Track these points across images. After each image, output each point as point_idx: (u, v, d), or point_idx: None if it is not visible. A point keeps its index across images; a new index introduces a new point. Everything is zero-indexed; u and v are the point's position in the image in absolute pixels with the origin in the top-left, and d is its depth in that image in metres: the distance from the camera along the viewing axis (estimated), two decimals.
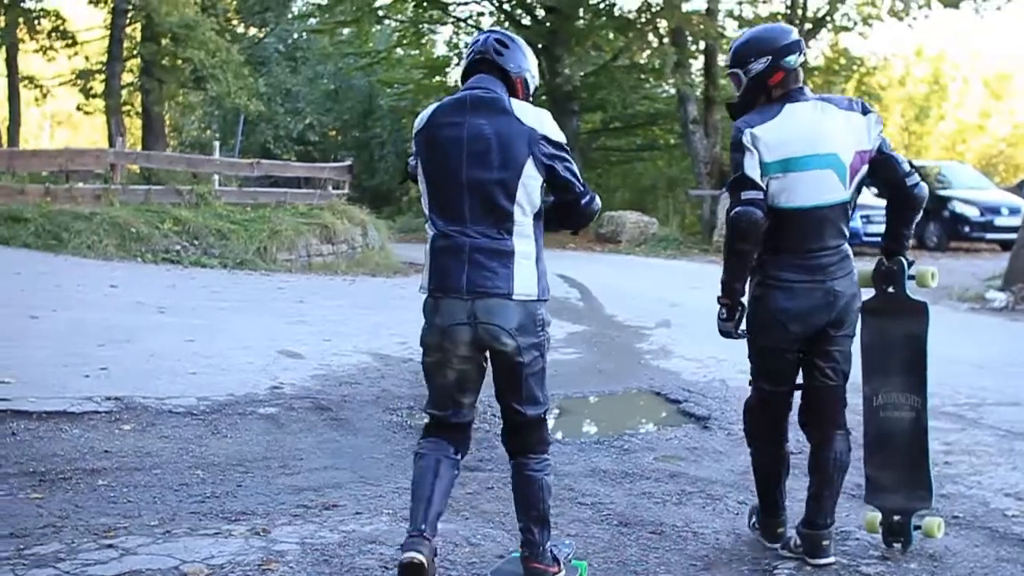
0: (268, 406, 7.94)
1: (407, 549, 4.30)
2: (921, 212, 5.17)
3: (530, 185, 4.49)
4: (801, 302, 4.97)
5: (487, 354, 4.59)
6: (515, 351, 4.47)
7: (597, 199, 4.83)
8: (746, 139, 4.95)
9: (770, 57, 5.09)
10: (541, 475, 4.65)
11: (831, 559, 4.99)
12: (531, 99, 4.84)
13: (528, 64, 4.83)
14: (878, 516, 5.23)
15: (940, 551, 5.06)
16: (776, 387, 5.34)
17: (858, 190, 5.06)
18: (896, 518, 5.17)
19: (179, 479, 6.08)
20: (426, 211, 4.65)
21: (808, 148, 4.90)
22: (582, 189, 4.70)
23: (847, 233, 5.06)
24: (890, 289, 5.28)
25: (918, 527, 5.14)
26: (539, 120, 4.58)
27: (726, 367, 9.90)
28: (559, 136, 4.65)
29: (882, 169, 5.07)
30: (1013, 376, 9.44)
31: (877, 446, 5.32)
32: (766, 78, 5.10)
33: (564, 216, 4.81)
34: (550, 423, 5.47)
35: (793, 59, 5.12)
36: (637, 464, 6.71)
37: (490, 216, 4.46)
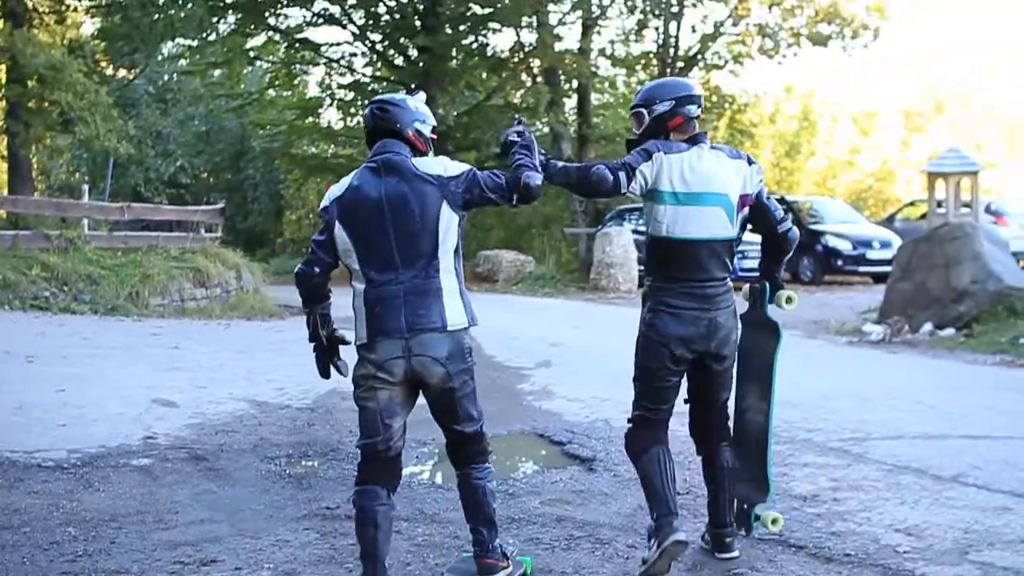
0: (142, 457, 7.74)
1: None
2: (791, 252, 5.91)
3: (450, 228, 5.13)
4: (687, 328, 5.55)
5: (417, 388, 5.26)
6: (446, 378, 5.15)
7: (527, 174, 5.28)
8: (656, 157, 5.54)
9: (673, 102, 5.68)
10: (484, 482, 5.29)
11: (735, 553, 5.65)
12: (432, 140, 5.42)
13: (411, 116, 5.33)
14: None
15: None
16: (657, 406, 5.94)
17: (742, 229, 5.61)
18: (744, 506, 5.87)
19: (49, 537, 5.86)
20: (354, 267, 5.22)
21: (707, 186, 5.49)
22: (506, 182, 5.28)
23: (731, 268, 5.65)
24: (756, 306, 6.00)
25: (758, 517, 5.74)
26: (442, 167, 5.19)
27: (609, 407, 9.85)
28: (461, 168, 5.24)
29: (759, 215, 5.77)
30: (895, 409, 9.49)
31: (736, 441, 6.00)
32: (667, 120, 5.69)
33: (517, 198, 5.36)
34: (429, 465, 6.71)
35: (693, 109, 5.69)
36: (523, 509, 6.60)
37: (418, 261, 5.09)
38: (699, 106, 5.75)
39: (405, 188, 5.09)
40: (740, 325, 5.74)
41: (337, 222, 5.21)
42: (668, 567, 5.28)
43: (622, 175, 5.56)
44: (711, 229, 5.50)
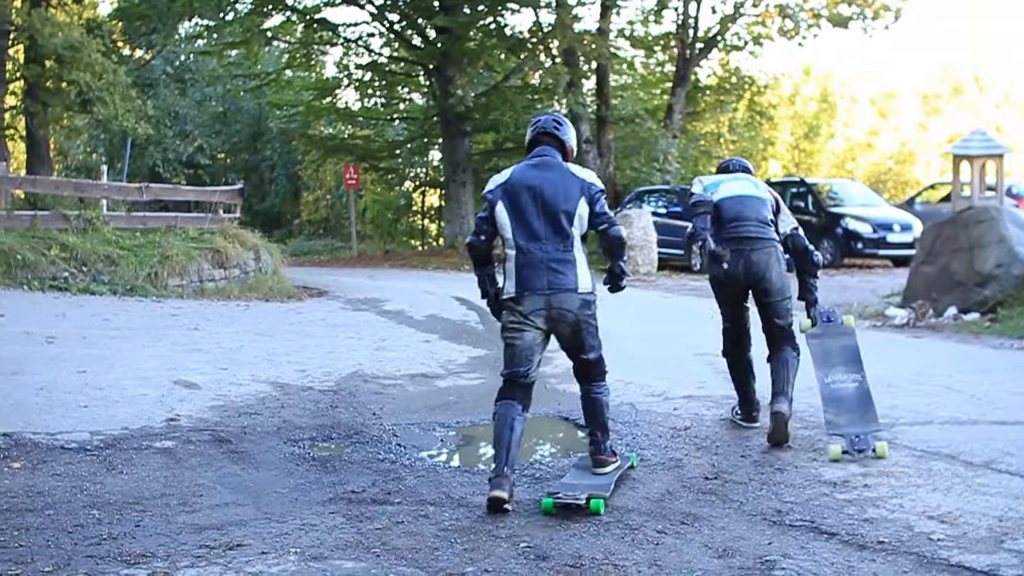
0: (165, 439, 7.68)
1: (492, 488, 6.19)
2: (619, 249, 6.88)
3: (583, 217, 6.67)
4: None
5: (551, 333, 6.76)
6: (576, 325, 6.69)
7: (620, 228, 6.85)
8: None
9: None
10: (602, 396, 6.93)
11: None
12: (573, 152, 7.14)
13: (573, 134, 7.10)
14: (840, 445, 7.33)
15: None
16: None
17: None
18: (858, 437, 7.35)
19: (73, 520, 5.80)
20: (507, 237, 6.68)
21: None
22: (611, 218, 6.82)
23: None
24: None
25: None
26: (590, 176, 6.84)
27: (633, 390, 9.80)
28: (600, 184, 6.86)
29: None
30: (922, 394, 9.40)
31: (833, 404, 7.71)
32: None
33: (607, 247, 6.87)
34: (456, 449, 7.68)
35: None
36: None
37: (558, 236, 6.61)
38: None
39: (557, 182, 6.68)
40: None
41: (499, 202, 6.72)
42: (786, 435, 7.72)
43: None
44: None
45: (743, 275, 8.26)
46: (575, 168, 6.85)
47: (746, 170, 8.90)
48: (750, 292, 8.47)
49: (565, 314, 6.62)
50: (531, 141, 7.04)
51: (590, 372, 6.94)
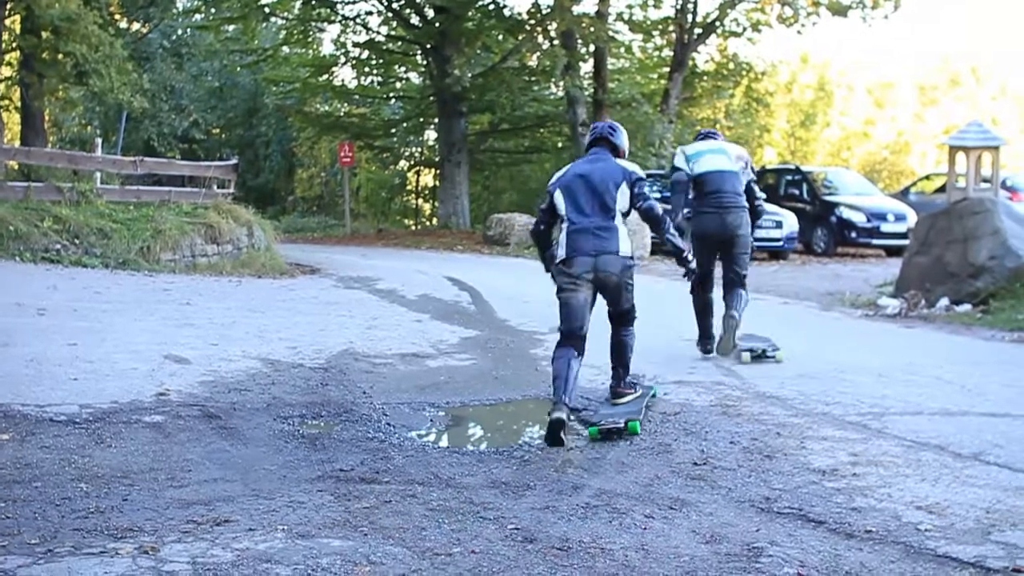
0: (154, 414, 7.67)
1: (553, 412, 7.37)
2: (654, 223, 8.52)
3: (623, 198, 8.11)
4: None
5: (597, 291, 8.11)
6: (617, 283, 8.08)
7: (653, 204, 8.27)
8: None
9: None
10: (628, 338, 8.52)
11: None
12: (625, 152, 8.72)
13: (625, 140, 8.72)
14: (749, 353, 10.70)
15: (856, 568, 4.93)
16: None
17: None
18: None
19: (61, 493, 5.79)
20: (562, 214, 8.17)
21: None
22: (647, 197, 8.26)
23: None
24: None
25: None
26: (634, 168, 8.33)
27: None
28: (640, 172, 8.35)
29: None
30: (913, 384, 9.40)
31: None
32: None
33: (646, 222, 8.53)
34: (444, 429, 8.20)
35: None
36: (538, 476, 6.52)
37: (602, 212, 8.04)
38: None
39: (605, 170, 8.21)
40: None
41: (556, 191, 8.27)
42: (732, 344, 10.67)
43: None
44: None
45: (721, 232, 10.90)
46: (622, 161, 8.43)
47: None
48: (722, 245, 11.07)
49: (610, 275, 7.99)
50: (589, 143, 8.72)
51: (623, 320, 8.47)
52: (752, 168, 11.34)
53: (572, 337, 7.98)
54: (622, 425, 7.65)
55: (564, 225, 8.19)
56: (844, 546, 5.25)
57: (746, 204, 10.90)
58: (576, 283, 7.94)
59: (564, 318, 8.02)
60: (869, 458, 6.89)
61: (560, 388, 7.57)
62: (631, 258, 8.11)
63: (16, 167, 23.49)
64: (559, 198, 8.24)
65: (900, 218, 26.45)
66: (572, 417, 7.80)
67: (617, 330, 8.48)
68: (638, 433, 7.62)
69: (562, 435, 7.29)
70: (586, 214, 8.06)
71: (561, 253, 8.09)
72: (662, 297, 16.62)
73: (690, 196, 11.23)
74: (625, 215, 8.18)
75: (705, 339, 11.08)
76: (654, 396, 8.75)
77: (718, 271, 11.00)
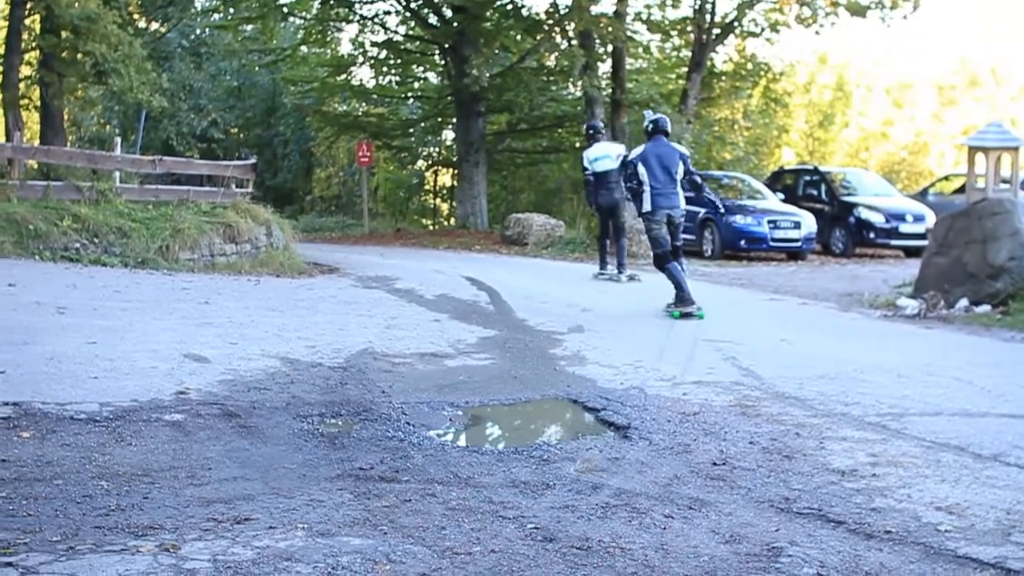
0: (174, 412, 7.67)
1: (688, 305, 13.92)
2: (697, 188, 15.12)
3: (680, 170, 14.26)
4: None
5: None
6: (680, 225, 14.44)
7: (698, 177, 14.85)
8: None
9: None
10: (682, 265, 14.24)
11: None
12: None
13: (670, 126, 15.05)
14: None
15: (875, 568, 4.92)
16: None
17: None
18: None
19: (82, 490, 5.79)
20: (644, 179, 14.18)
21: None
22: (693, 170, 14.67)
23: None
24: None
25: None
26: (682, 148, 14.77)
27: (643, 374, 9.82)
28: (688, 152, 14.46)
29: None
30: (932, 385, 9.37)
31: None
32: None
33: (691, 186, 14.81)
34: (464, 428, 8.04)
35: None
36: (557, 475, 6.51)
37: (670, 178, 14.21)
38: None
39: (670, 152, 14.28)
40: None
41: (640, 163, 14.18)
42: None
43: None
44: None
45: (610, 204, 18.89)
46: (676, 144, 14.99)
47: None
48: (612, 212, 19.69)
49: (675, 219, 14.40)
50: (653, 131, 14.67)
51: (679, 253, 14.49)
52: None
53: (667, 254, 14.28)
54: (695, 311, 13.94)
55: (647, 188, 14.22)
56: (864, 547, 5.24)
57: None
58: (659, 223, 14.26)
59: (658, 242, 14.32)
60: (889, 459, 6.88)
61: (685, 286, 14.09)
62: (684, 210, 14.69)
63: (36, 166, 23.53)
64: (641, 169, 14.28)
65: (919, 219, 26.40)
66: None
67: (676, 261, 14.30)
68: (704, 318, 13.82)
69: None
70: (660, 181, 14.22)
71: (647, 207, 14.29)
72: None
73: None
74: (680, 182, 14.39)
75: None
76: (700, 318, 13.89)
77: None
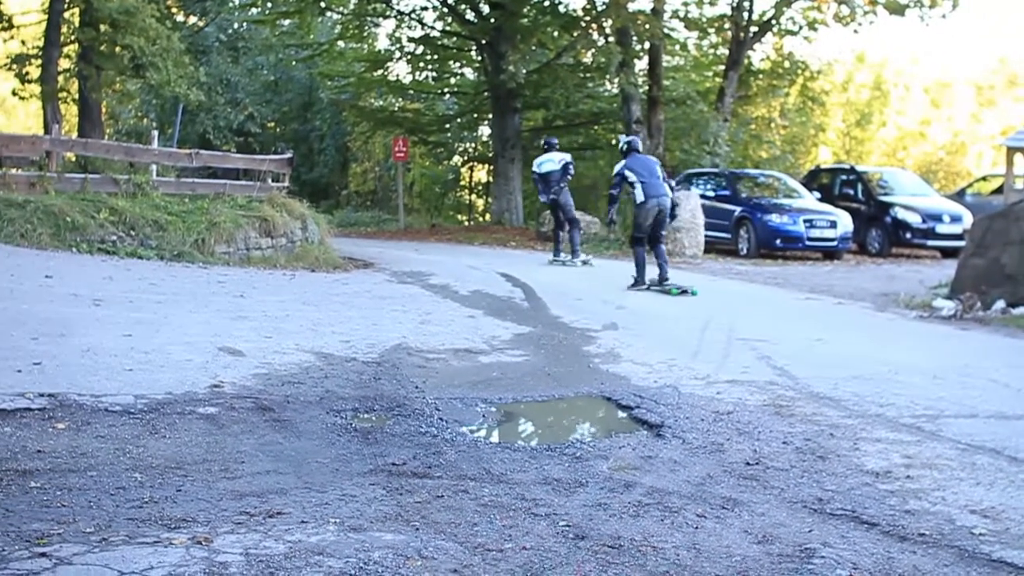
0: (208, 405, 7.69)
1: (641, 285, 17.51)
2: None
3: (660, 170, 17.82)
4: None
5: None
6: (667, 216, 17.65)
7: (670, 180, 18.58)
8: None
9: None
10: (663, 251, 17.84)
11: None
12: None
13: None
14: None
15: (909, 571, 4.90)
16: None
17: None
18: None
19: (116, 482, 5.82)
20: (632, 180, 17.43)
21: None
22: (668, 176, 18.44)
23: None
24: None
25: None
26: (654, 159, 18.70)
27: (676, 372, 9.80)
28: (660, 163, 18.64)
29: None
30: (968, 387, 9.32)
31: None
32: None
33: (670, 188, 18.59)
34: (496, 425, 8.02)
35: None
36: (590, 472, 6.50)
37: (657, 178, 17.58)
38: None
39: (646, 160, 18.17)
40: None
41: (627, 170, 17.54)
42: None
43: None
44: None
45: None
46: (654, 159, 18.31)
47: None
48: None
49: (664, 209, 17.37)
50: (627, 150, 18.01)
51: (661, 239, 17.74)
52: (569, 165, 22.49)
53: (644, 238, 17.61)
54: (688, 289, 16.77)
55: (638, 185, 17.35)
56: (897, 549, 5.22)
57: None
58: (648, 213, 17.40)
59: (642, 230, 17.60)
60: (923, 461, 6.84)
61: (643, 270, 17.53)
62: (670, 201, 17.68)
63: (73, 159, 23.66)
64: (629, 174, 17.52)
65: (956, 219, 26.27)
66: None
67: (658, 246, 17.63)
68: (697, 294, 16.57)
69: (654, 288, 17.09)
70: (647, 180, 17.37)
71: (640, 198, 17.39)
72: (717, 294, 16.59)
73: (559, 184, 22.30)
74: (664, 179, 17.68)
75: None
76: (694, 294, 16.71)
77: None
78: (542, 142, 24.97)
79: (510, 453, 6.93)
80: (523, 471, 6.45)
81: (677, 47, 39.09)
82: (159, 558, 4.68)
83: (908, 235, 26.83)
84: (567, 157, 22.65)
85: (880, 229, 27.50)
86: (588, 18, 34.02)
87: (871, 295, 17.15)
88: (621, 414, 8.33)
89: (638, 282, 17.53)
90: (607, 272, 18.29)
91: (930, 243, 26.69)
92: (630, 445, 7.27)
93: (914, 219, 26.67)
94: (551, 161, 22.40)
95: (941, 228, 26.34)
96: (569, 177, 22.45)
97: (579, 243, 22.76)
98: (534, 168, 23.19)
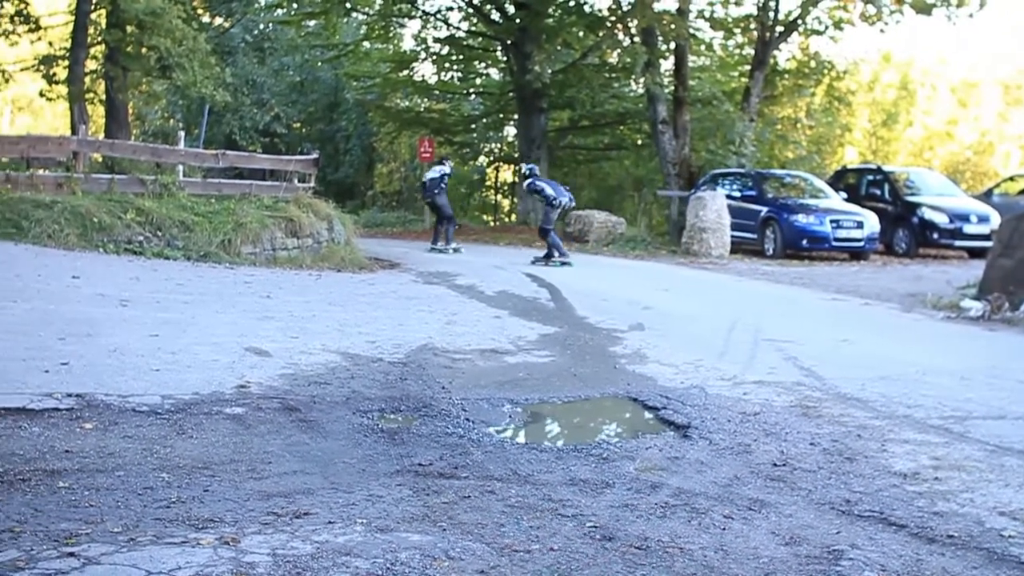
0: (235, 406, 7.71)
1: (545, 261, 22.57)
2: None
3: (559, 186, 23.26)
4: None
5: None
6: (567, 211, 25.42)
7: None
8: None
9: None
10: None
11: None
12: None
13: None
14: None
15: (938, 573, 4.87)
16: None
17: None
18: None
19: (143, 482, 5.83)
20: (548, 187, 22.80)
21: None
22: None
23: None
24: None
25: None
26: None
27: (703, 373, 9.77)
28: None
29: None
30: (997, 388, 9.28)
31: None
32: None
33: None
34: (523, 425, 7.91)
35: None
36: (617, 473, 6.49)
37: (560, 187, 22.72)
38: None
39: (546, 179, 23.27)
40: None
41: (544, 185, 22.72)
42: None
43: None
44: None
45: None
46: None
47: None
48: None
49: (567, 208, 23.72)
50: (530, 174, 23.50)
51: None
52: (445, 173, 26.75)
53: (552, 230, 21.83)
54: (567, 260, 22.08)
55: (551, 192, 22.24)
56: (926, 551, 5.19)
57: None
58: (557, 210, 22.37)
59: (551, 222, 22.14)
60: (951, 462, 6.81)
61: (554, 252, 22.14)
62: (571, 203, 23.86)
63: (100, 159, 23.76)
64: (542, 184, 22.52)
65: (983, 220, 26.14)
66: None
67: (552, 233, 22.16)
68: (572, 266, 21.28)
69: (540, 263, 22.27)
70: (556, 188, 22.21)
71: (555, 200, 22.01)
72: (743, 295, 16.56)
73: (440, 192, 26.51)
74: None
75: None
76: (570, 266, 21.67)
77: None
78: (438, 158, 31.10)
79: (537, 454, 6.93)
80: (550, 472, 6.45)
81: (703, 47, 39.00)
82: (187, 558, 4.69)
83: (935, 235, 26.71)
84: (446, 169, 27.17)
85: (907, 229, 27.39)
86: (614, 18, 34.00)
87: (898, 296, 17.08)
88: (647, 415, 8.31)
89: (548, 258, 22.47)
90: (630, 271, 17.69)
91: (957, 243, 26.56)
92: (657, 446, 7.26)
93: (941, 219, 26.56)
94: (432, 172, 27.22)
95: (968, 228, 26.21)
96: (443, 185, 26.76)
97: (452, 235, 26.95)
98: (423, 176, 29.41)
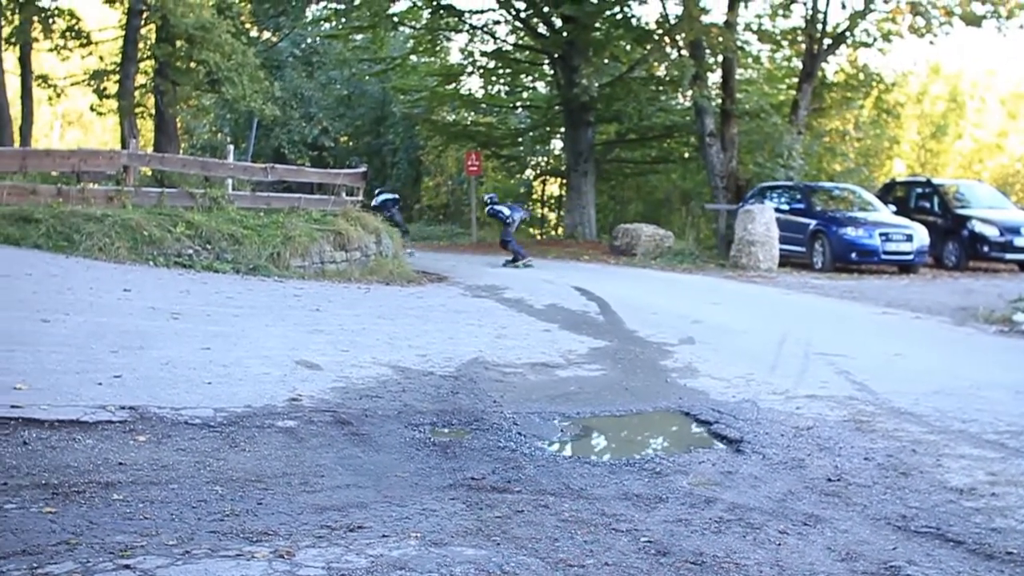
0: (287, 419, 7.72)
1: (511, 265, 25.50)
2: None
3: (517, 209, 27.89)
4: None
5: None
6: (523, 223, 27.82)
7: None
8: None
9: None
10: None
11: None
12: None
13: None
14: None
15: None
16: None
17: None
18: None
19: (197, 495, 5.84)
20: (507, 209, 26.74)
21: None
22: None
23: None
24: None
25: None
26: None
27: (754, 388, 9.71)
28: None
29: None
30: None
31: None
32: None
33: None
34: (576, 439, 7.91)
35: None
36: (670, 488, 6.46)
37: (519, 206, 27.65)
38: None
39: (507, 202, 28.97)
40: None
41: (505, 207, 26.50)
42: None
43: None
44: None
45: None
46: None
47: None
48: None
49: (522, 223, 27.25)
50: (494, 201, 27.34)
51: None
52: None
53: (512, 240, 25.53)
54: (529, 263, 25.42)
55: (510, 212, 26.14)
56: (984, 567, 5.15)
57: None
58: (516, 224, 25.91)
59: (510, 233, 25.78)
60: (1008, 478, 6.74)
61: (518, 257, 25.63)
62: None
63: (150, 173, 23.92)
64: (502, 207, 26.24)
65: None
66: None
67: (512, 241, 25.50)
68: (533, 267, 24.41)
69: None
70: (515, 209, 26.37)
71: (515, 219, 26.09)
72: (793, 308, 16.47)
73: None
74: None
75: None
76: (530, 267, 24.48)
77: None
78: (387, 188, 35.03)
79: (589, 468, 6.91)
80: (603, 486, 6.42)
81: (750, 60, 38.90)
82: (242, 571, 4.70)
83: (985, 248, 26.52)
84: (390, 197, 29.93)
85: (957, 242, 27.20)
86: (661, 31, 33.99)
87: (949, 309, 16.95)
88: (699, 429, 8.28)
89: (514, 263, 25.64)
90: (678, 284, 17.50)
91: (1008, 256, 26.38)
92: (710, 460, 7.23)
93: (991, 232, 26.37)
94: (384, 195, 29.98)
95: (1019, 241, 26.03)
96: (395, 208, 29.20)
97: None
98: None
